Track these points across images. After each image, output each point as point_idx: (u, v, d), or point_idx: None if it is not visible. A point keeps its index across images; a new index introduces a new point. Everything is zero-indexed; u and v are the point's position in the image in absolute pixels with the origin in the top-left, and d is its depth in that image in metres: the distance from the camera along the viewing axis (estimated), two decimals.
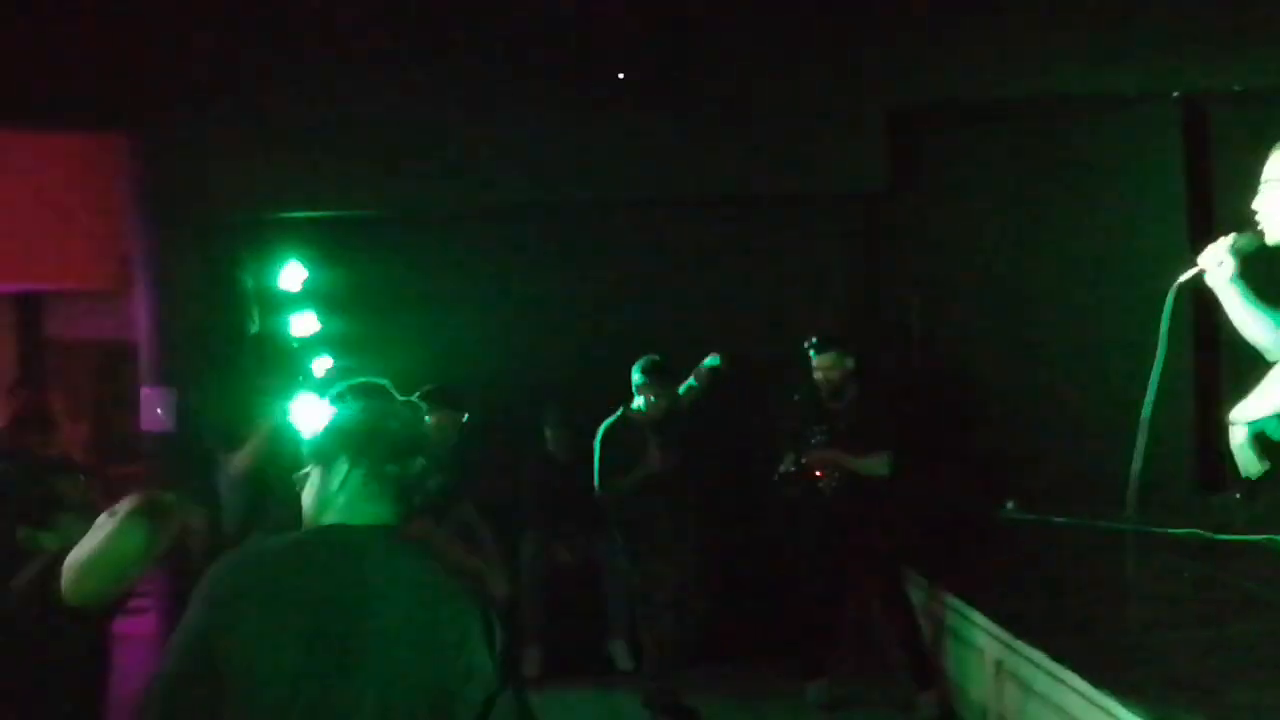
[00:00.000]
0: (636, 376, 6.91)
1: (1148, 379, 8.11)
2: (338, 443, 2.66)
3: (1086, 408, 8.56)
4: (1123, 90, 8.52)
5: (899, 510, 6.96)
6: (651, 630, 6.99)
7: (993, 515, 8.02)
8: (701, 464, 7.23)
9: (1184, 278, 3.80)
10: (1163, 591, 6.53)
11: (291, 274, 7.63)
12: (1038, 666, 5.45)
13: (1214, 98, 8.76)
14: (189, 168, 7.63)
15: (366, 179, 7.86)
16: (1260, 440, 3.88)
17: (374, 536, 2.60)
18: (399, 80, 7.67)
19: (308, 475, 2.71)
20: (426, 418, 2.70)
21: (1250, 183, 3.81)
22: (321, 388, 6.50)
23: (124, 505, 2.91)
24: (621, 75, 7.88)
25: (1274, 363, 3.80)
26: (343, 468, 2.64)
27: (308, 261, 7.72)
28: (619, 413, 6.99)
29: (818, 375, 6.91)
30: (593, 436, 7.02)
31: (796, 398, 7.09)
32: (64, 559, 2.93)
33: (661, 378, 6.91)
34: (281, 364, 6.74)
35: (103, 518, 2.91)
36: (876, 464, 6.84)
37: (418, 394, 3.91)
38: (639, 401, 6.94)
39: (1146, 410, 4.04)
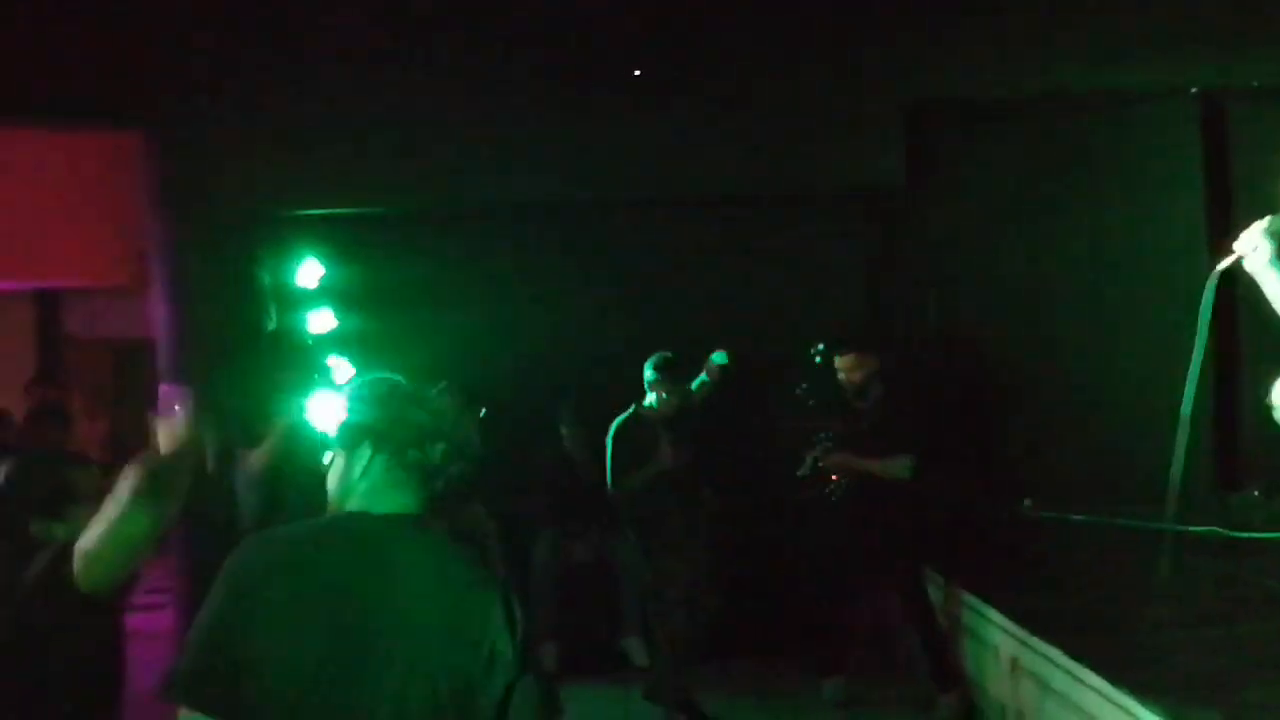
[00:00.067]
0: (648, 374, 6.91)
1: (1166, 375, 8.09)
2: (361, 430, 2.66)
3: (1103, 405, 8.54)
4: (1140, 86, 8.49)
5: (913, 510, 6.92)
6: (663, 627, 6.99)
7: (1009, 513, 8.00)
8: (714, 461, 7.22)
9: (1222, 265, 3.77)
10: (1180, 589, 6.51)
11: (308, 271, 7.65)
12: (1054, 664, 5.45)
13: (1232, 94, 8.72)
14: (206, 165, 7.64)
15: (383, 176, 7.88)
16: None
17: (395, 525, 2.60)
18: (415, 78, 7.67)
19: (332, 461, 2.72)
20: (451, 406, 2.70)
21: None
22: (339, 385, 6.52)
23: (126, 485, 2.90)
24: (637, 73, 7.87)
25: None
26: (365, 454, 2.64)
27: (324, 259, 7.73)
28: (631, 410, 7.00)
29: (840, 376, 6.89)
30: (606, 433, 7.02)
31: (801, 391, 7.07)
32: (73, 547, 2.94)
33: (673, 375, 6.91)
34: (298, 361, 6.76)
35: (108, 501, 2.92)
36: (898, 467, 6.80)
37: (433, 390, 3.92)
38: (651, 398, 6.94)
39: (1186, 407, 4.00)
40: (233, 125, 7.61)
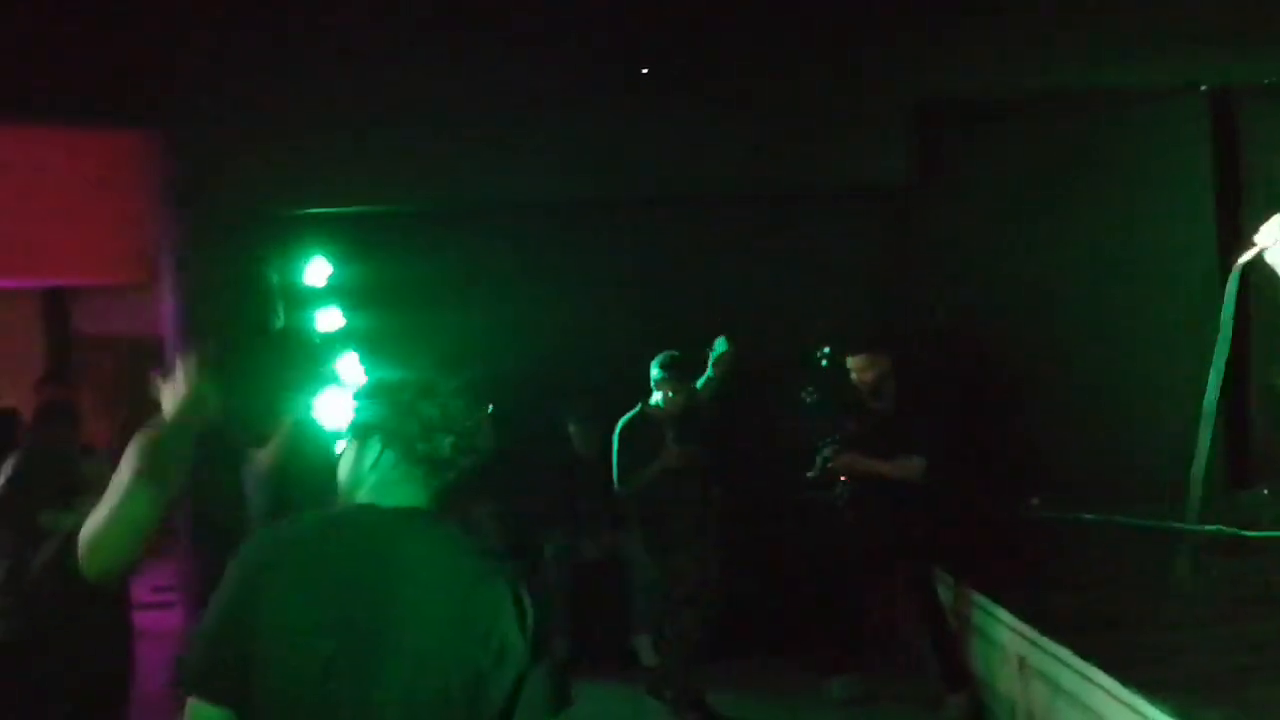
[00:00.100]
0: (655, 372, 6.91)
1: (1172, 374, 8.11)
2: (370, 424, 2.67)
3: (1109, 403, 8.53)
4: (1148, 84, 8.48)
5: (923, 510, 6.89)
6: (671, 625, 6.99)
7: (1017, 511, 7.99)
8: (721, 459, 7.22)
9: (1244, 258, 3.73)
10: (1189, 588, 6.50)
11: (317, 269, 7.65)
12: (1063, 663, 5.44)
13: (1242, 91, 8.71)
14: (215, 164, 7.66)
15: (392, 175, 7.88)
16: None
17: (404, 518, 2.60)
18: (422, 77, 7.67)
19: (344, 452, 2.72)
20: (460, 400, 2.70)
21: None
22: (347, 383, 6.53)
23: (128, 465, 2.90)
24: (644, 71, 7.87)
25: None
26: (375, 448, 2.65)
27: (333, 257, 7.74)
28: (637, 408, 7.00)
29: (852, 377, 6.87)
30: (613, 431, 7.03)
31: (806, 395, 7.05)
32: (77, 535, 2.93)
33: (680, 373, 6.91)
34: (306, 359, 6.76)
35: (112, 485, 2.91)
36: (910, 468, 6.78)
37: None
38: (657, 397, 6.94)
39: (1210, 401, 3.96)
40: (241, 124, 7.62)
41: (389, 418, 2.64)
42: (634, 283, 8.14)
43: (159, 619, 7.28)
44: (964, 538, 7.39)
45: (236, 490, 6.37)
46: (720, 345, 7.16)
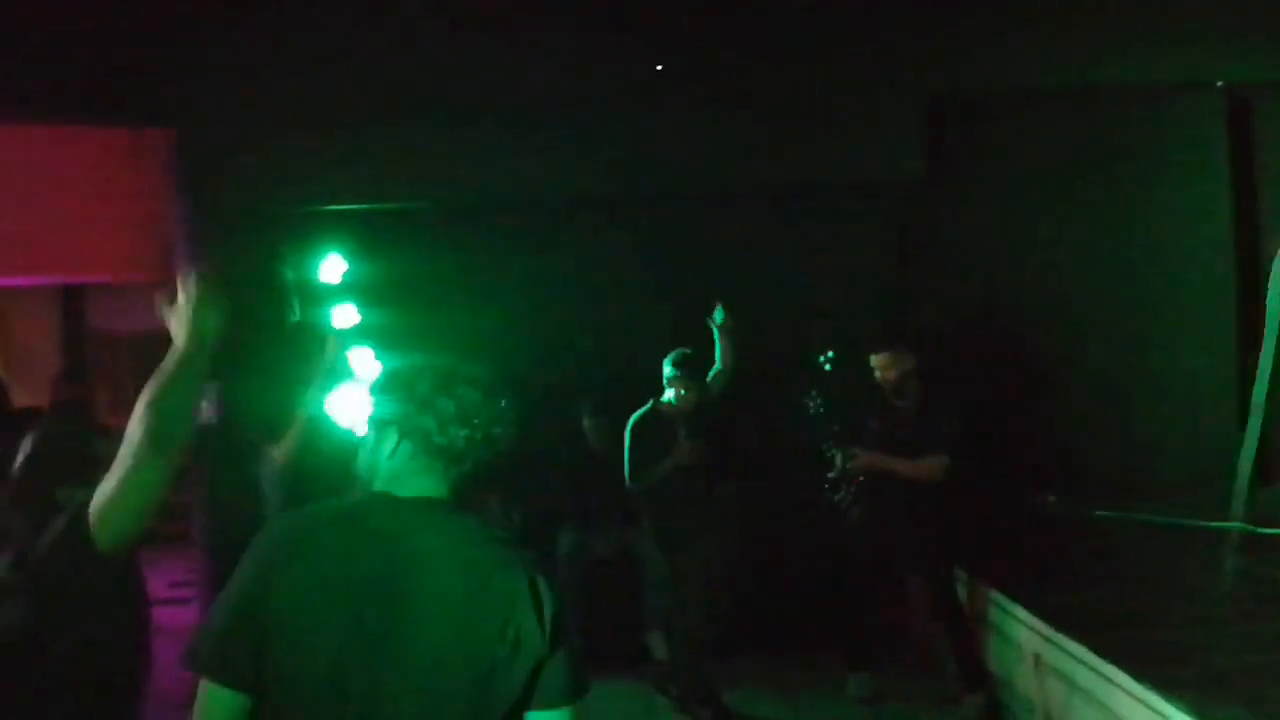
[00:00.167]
0: (667, 369, 6.91)
1: (1190, 369, 8.09)
2: (388, 416, 2.67)
3: (1125, 399, 8.53)
4: (1165, 80, 8.45)
5: (943, 507, 6.85)
6: (681, 621, 6.99)
7: (1034, 508, 7.99)
8: (733, 455, 7.21)
9: None
10: (1205, 585, 6.49)
11: (332, 266, 7.66)
12: (1079, 661, 5.43)
13: (1258, 88, 8.69)
14: (230, 161, 7.68)
15: (406, 172, 7.90)
16: None
17: (420, 507, 2.61)
18: (437, 74, 7.69)
19: (363, 439, 2.73)
20: (477, 392, 2.70)
21: None
22: (362, 378, 6.54)
23: (136, 428, 2.88)
24: (659, 68, 7.87)
25: None
26: (392, 438, 2.65)
27: (347, 254, 7.75)
28: (649, 405, 7.00)
29: (876, 375, 6.85)
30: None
31: (810, 400, 7.03)
32: (88, 506, 2.92)
33: (692, 371, 6.90)
34: (320, 355, 6.76)
35: (122, 450, 2.89)
36: (932, 468, 6.74)
37: None
38: (669, 394, 6.94)
39: (1259, 393, 3.95)
40: (255, 121, 7.64)
41: (405, 412, 2.64)
42: (647, 279, 8.14)
43: (176, 615, 7.30)
44: (979, 535, 7.38)
45: (253, 485, 6.38)
46: (719, 315, 7.16)
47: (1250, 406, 4.02)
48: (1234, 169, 8.68)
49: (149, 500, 2.90)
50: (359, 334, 7.56)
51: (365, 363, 6.96)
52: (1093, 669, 5.27)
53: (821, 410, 7.02)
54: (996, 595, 6.65)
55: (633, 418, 6.98)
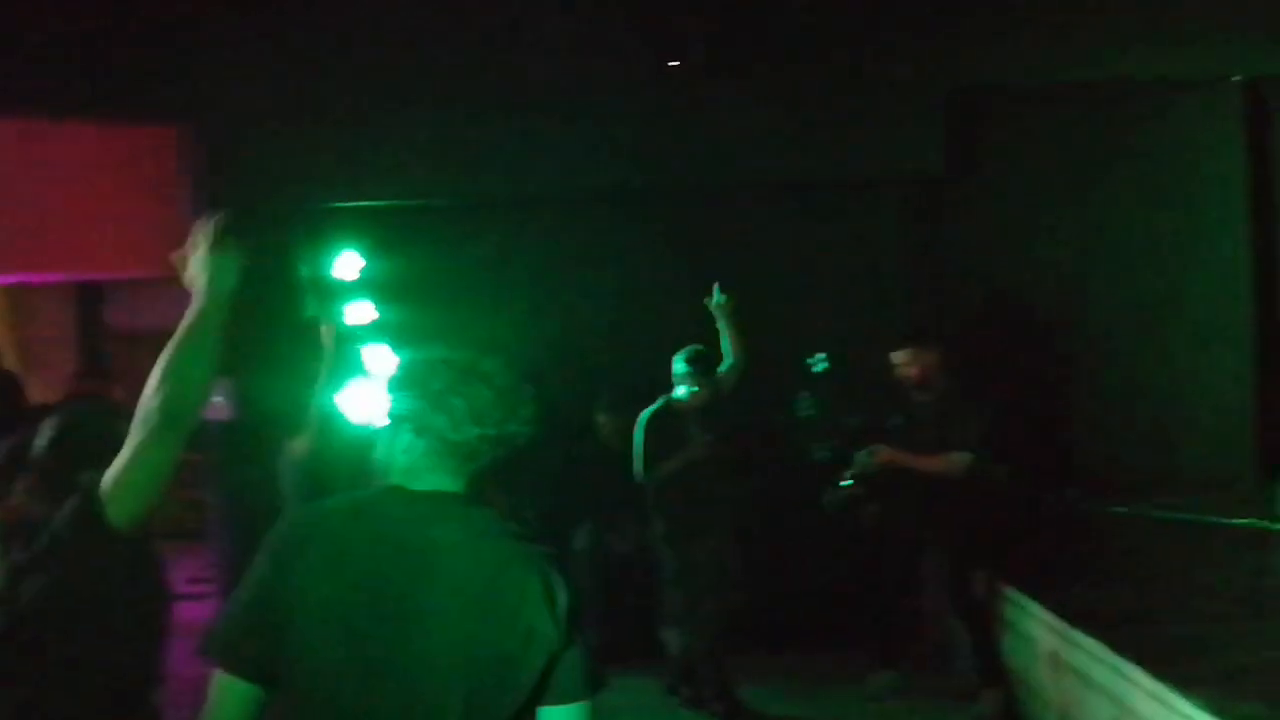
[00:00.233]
0: (678, 367, 6.91)
1: (1208, 364, 8.04)
2: (402, 413, 2.66)
3: (1145, 394, 8.50)
4: (1183, 74, 8.43)
5: (964, 504, 6.81)
6: (692, 618, 6.99)
7: (1050, 505, 7.96)
8: (745, 453, 7.21)
9: None
10: (1223, 582, 6.47)
11: (348, 263, 7.67)
12: (1095, 658, 5.42)
13: (1275, 81, 8.65)
14: (246, 157, 7.70)
15: (422, 167, 7.90)
16: None
17: (434, 501, 2.61)
18: (455, 68, 7.69)
19: (380, 432, 2.73)
20: (491, 390, 2.69)
21: None
22: (377, 373, 6.55)
23: (148, 397, 2.87)
24: (677, 62, 7.86)
25: None
26: (407, 433, 2.65)
27: (364, 250, 7.76)
28: (661, 401, 7.00)
29: (897, 371, 6.84)
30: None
31: (800, 404, 7.01)
32: (100, 483, 2.91)
33: (704, 367, 6.91)
34: (336, 350, 6.77)
35: (135, 423, 2.88)
36: (954, 465, 6.71)
37: None
38: (681, 391, 6.94)
39: None
40: (272, 118, 7.65)
41: (419, 409, 2.64)
42: (664, 275, 8.12)
43: (193, 610, 7.32)
44: (999, 531, 7.36)
45: (270, 480, 6.40)
46: (717, 296, 7.16)
47: None
48: (1252, 162, 8.65)
49: (158, 478, 2.89)
50: (376, 331, 7.58)
51: (382, 359, 6.98)
52: (1110, 666, 5.26)
53: (812, 414, 7.01)
54: (1013, 592, 6.64)
55: (644, 414, 6.98)
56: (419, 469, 2.64)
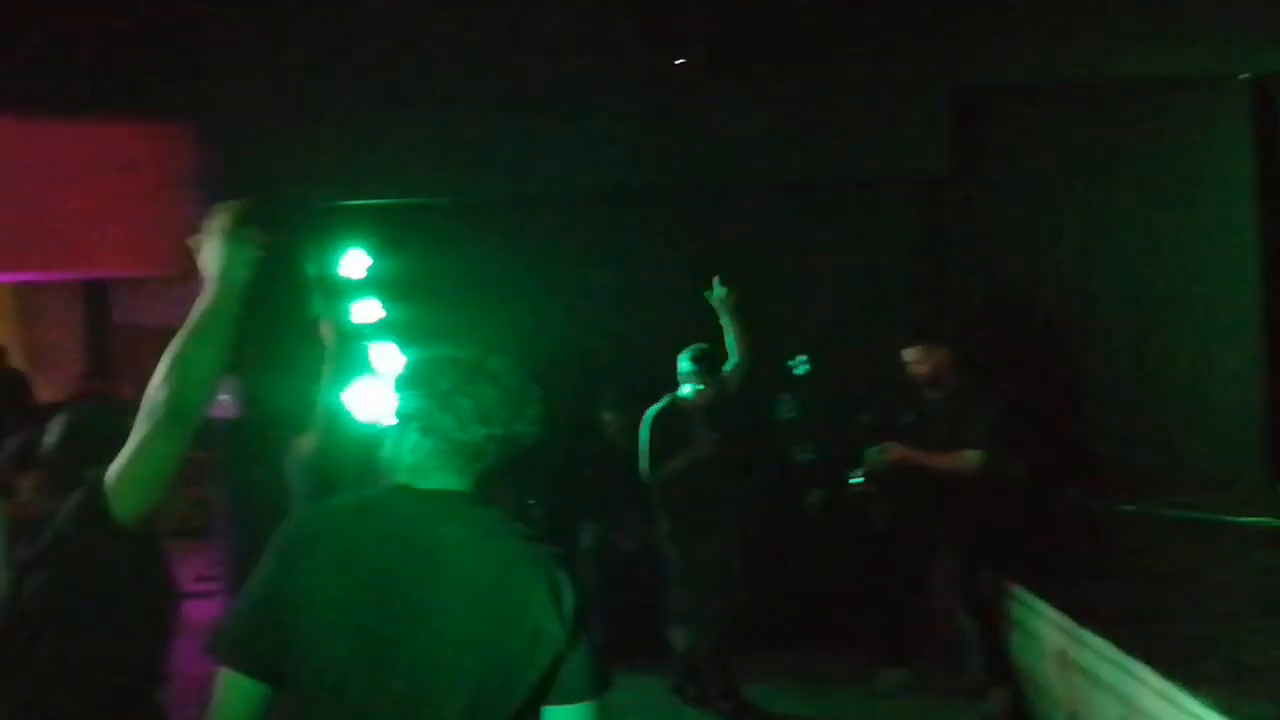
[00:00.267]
0: (684, 365, 6.91)
1: (1213, 363, 8.04)
2: (410, 409, 2.66)
3: (1151, 393, 8.49)
4: (1189, 72, 8.41)
5: (973, 501, 6.80)
6: (699, 615, 6.99)
7: (1057, 503, 7.96)
8: (750, 451, 7.21)
9: None
10: (1231, 580, 6.46)
11: (355, 261, 7.67)
12: (1103, 657, 5.41)
13: None
14: (252, 155, 7.69)
15: (424, 167, 7.90)
16: None
17: (440, 500, 2.62)
18: (461, 67, 7.69)
19: (387, 430, 2.73)
20: (497, 390, 2.68)
21: None
22: (384, 372, 6.54)
23: (154, 388, 2.86)
24: (681, 61, 7.86)
25: None
26: (414, 432, 2.65)
27: (371, 249, 7.76)
28: (666, 399, 7.00)
29: (909, 369, 6.83)
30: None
31: (783, 406, 7.01)
32: (104, 478, 2.89)
33: (709, 366, 6.90)
34: (342, 348, 6.76)
35: (141, 417, 2.87)
36: (964, 463, 6.70)
37: None
38: (686, 389, 6.94)
39: None
40: (279, 116, 7.66)
41: (425, 408, 2.64)
42: (670, 274, 8.12)
43: (201, 609, 7.33)
44: (1005, 529, 7.35)
45: (276, 479, 6.40)
46: (719, 289, 7.15)
47: None
48: (1258, 160, 8.63)
49: (163, 472, 2.87)
50: (383, 329, 7.58)
51: (389, 358, 6.97)
52: (1118, 664, 5.25)
53: (793, 416, 7.00)
54: (1021, 591, 6.63)
55: (650, 411, 6.98)
56: (426, 468, 2.64)
